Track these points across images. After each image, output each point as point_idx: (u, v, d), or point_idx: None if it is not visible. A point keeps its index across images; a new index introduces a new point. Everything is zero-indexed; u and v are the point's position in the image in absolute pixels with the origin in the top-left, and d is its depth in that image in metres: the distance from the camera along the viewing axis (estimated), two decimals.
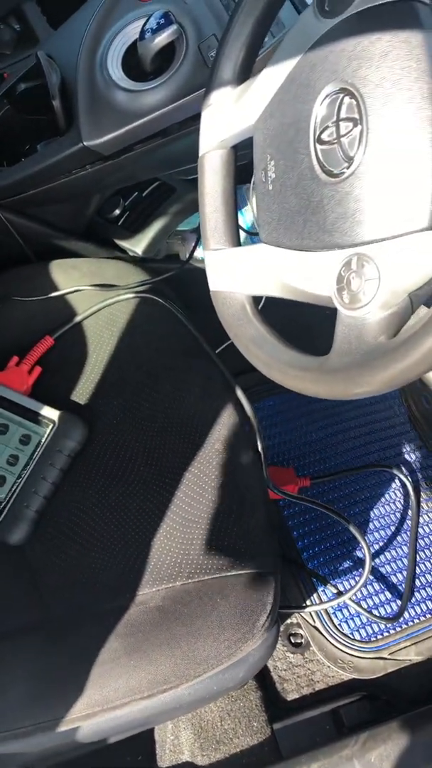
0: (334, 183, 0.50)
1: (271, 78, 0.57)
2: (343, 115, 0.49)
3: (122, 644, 0.64)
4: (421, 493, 1.13)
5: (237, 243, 0.64)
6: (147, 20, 0.77)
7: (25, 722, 0.62)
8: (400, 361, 0.45)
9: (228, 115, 0.62)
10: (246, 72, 0.62)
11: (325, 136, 0.51)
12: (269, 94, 0.57)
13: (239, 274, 0.61)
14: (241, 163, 0.67)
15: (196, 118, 0.81)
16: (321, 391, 0.52)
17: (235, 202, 0.64)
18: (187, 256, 0.98)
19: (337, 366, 0.51)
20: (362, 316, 0.49)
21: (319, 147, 0.51)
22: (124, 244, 1.01)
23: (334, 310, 0.52)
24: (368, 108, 0.48)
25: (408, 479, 1.12)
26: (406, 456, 1.17)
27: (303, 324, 0.91)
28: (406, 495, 1.12)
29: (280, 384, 0.57)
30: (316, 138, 0.51)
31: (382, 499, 1.11)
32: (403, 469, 1.14)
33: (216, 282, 0.64)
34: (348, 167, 0.49)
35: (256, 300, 0.62)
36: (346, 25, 0.50)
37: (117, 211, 1.00)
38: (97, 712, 0.62)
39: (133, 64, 0.80)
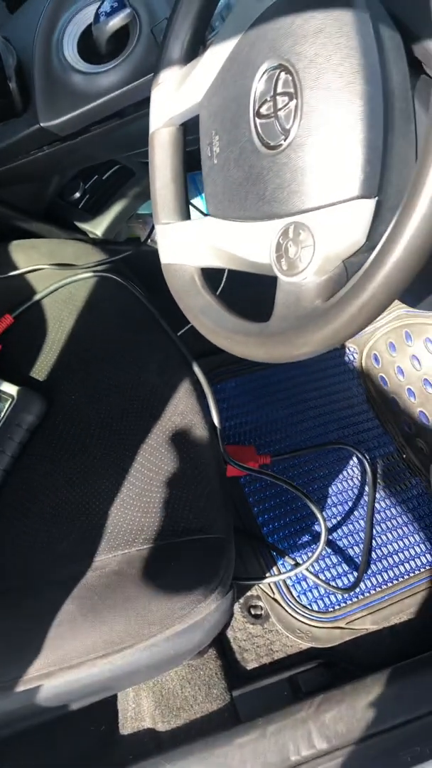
0: (273, 155, 0.52)
1: (215, 57, 0.59)
2: (279, 89, 0.52)
3: (78, 607, 0.66)
4: (378, 470, 1.16)
5: (186, 217, 0.66)
6: (101, 4, 0.78)
7: None
8: (332, 322, 0.48)
9: (176, 93, 0.64)
10: (193, 51, 0.64)
11: (263, 110, 0.53)
12: (214, 73, 0.59)
13: (188, 246, 0.63)
14: (193, 148, 0.69)
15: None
16: (263, 354, 0.55)
17: (185, 178, 0.67)
18: (145, 237, 1.00)
19: (276, 330, 0.53)
20: (299, 282, 0.51)
21: (258, 121, 0.54)
22: (84, 226, 1.02)
23: (276, 279, 0.55)
24: (303, 82, 0.50)
25: (365, 457, 1.15)
26: (364, 434, 1.21)
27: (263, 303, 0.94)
28: (363, 472, 1.15)
29: (227, 351, 0.59)
30: (256, 112, 0.54)
31: (340, 476, 1.14)
32: (361, 446, 1.18)
33: (167, 255, 0.66)
34: (285, 139, 0.51)
35: (204, 272, 0.64)
36: (283, 3, 0.52)
37: (77, 194, 1.01)
38: (54, 671, 0.64)
39: (88, 46, 0.82)
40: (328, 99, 0.49)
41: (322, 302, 0.51)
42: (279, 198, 0.52)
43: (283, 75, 0.51)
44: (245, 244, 0.56)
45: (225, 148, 0.57)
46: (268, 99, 0.53)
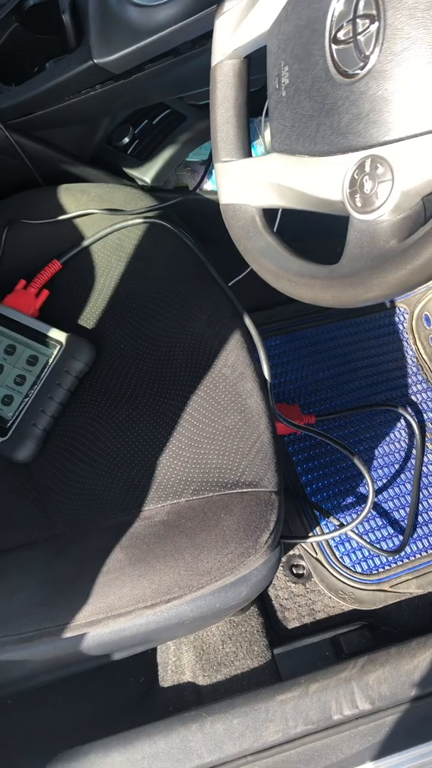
0: (349, 83, 0.49)
1: None
2: (360, 11, 0.48)
3: (127, 555, 0.65)
4: (426, 433, 1.13)
5: (248, 154, 0.63)
6: None
7: (30, 627, 0.63)
8: (409, 263, 0.45)
9: (242, 23, 0.60)
10: None
11: (340, 36, 0.50)
12: None
13: (250, 185, 0.60)
14: (252, 89, 0.65)
15: (209, 36, 0.80)
16: (331, 297, 0.52)
17: (248, 114, 0.63)
18: (196, 185, 0.97)
19: (347, 271, 0.50)
20: (374, 220, 0.48)
21: (334, 47, 0.50)
22: (132, 172, 0.99)
23: (347, 220, 0.52)
24: (387, 3, 0.46)
25: (414, 419, 1.13)
26: (413, 397, 1.17)
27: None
28: (411, 434, 1.12)
29: (290, 295, 0.57)
30: (332, 38, 0.50)
31: (387, 438, 1.12)
32: (409, 409, 1.15)
33: (226, 195, 0.63)
34: (364, 66, 0.48)
35: (266, 213, 0.61)
36: None
37: (126, 139, 0.98)
38: (102, 619, 0.63)
39: None
40: (413, 20, 0.45)
41: (398, 242, 0.48)
42: (355, 130, 0.49)
43: None
44: (315, 180, 0.53)
45: (295, 78, 0.54)
46: (347, 23, 0.49)
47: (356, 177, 0.49)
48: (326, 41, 0.51)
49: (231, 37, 0.61)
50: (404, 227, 0.48)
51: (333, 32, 0.50)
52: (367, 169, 0.48)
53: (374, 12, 0.47)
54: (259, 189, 0.59)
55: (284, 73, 0.55)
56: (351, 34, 0.49)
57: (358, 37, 0.48)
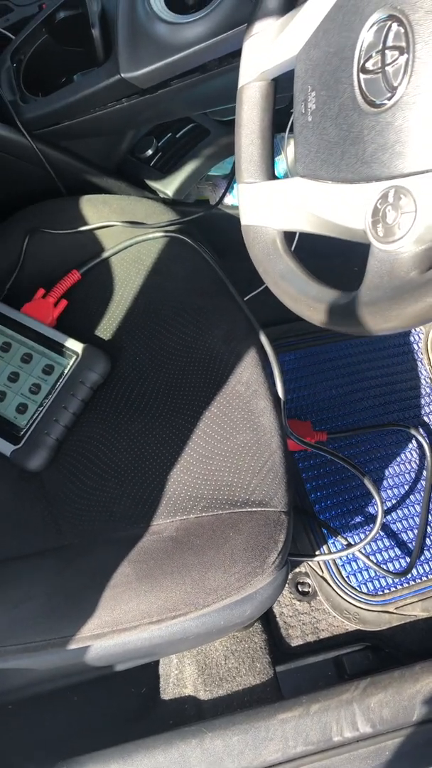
0: (376, 113, 0.49)
1: (318, 7, 0.56)
2: (389, 43, 0.48)
3: (134, 570, 0.65)
4: None
5: (272, 176, 0.63)
6: None
7: (36, 638, 0.63)
8: (429, 295, 0.45)
9: (271, 45, 0.61)
10: (292, 2, 0.61)
11: (369, 65, 0.50)
12: (314, 24, 0.56)
13: (272, 208, 0.61)
14: (277, 107, 0.66)
15: (236, 55, 0.80)
16: (348, 325, 0.52)
17: (272, 136, 0.64)
18: (218, 200, 0.97)
19: (366, 300, 0.50)
20: (396, 251, 0.48)
21: (362, 76, 0.50)
22: (154, 185, 1.00)
23: (367, 248, 0.52)
24: (416, 36, 0.46)
25: (425, 440, 1.12)
26: (425, 418, 1.17)
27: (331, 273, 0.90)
28: (422, 456, 1.12)
29: (307, 319, 0.57)
30: (360, 67, 0.50)
31: (398, 458, 1.12)
32: (421, 430, 1.14)
33: (248, 216, 0.63)
34: (390, 98, 0.48)
35: (287, 236, 0.61)
36: None
37: (150, 152, 0.99)
38: (107, 633, 0.64)
39: None
40: None
41: (418, 273, 0.48)
42: (380, 160, 0.49)
43: (394, 27, 0.48)
44: (337, 207, 0.53)
45: (322, 104, 0.54)
46: (376, 53, 0.49)
47: (379, 207, 0.49)
48: (354, 70, 0.51)
49: (259, 59, 0.62)
50: (426, 259, 0.48)
51: (362, 62, 0.50)
52: (391, 199, 0.48)
53: (404, 44, 0.47)
54: (281, 212, 0.60)
55: (311, 98, 0.56)
56: (380, 65, 0.49)
57: (387, 68, 0.48)
